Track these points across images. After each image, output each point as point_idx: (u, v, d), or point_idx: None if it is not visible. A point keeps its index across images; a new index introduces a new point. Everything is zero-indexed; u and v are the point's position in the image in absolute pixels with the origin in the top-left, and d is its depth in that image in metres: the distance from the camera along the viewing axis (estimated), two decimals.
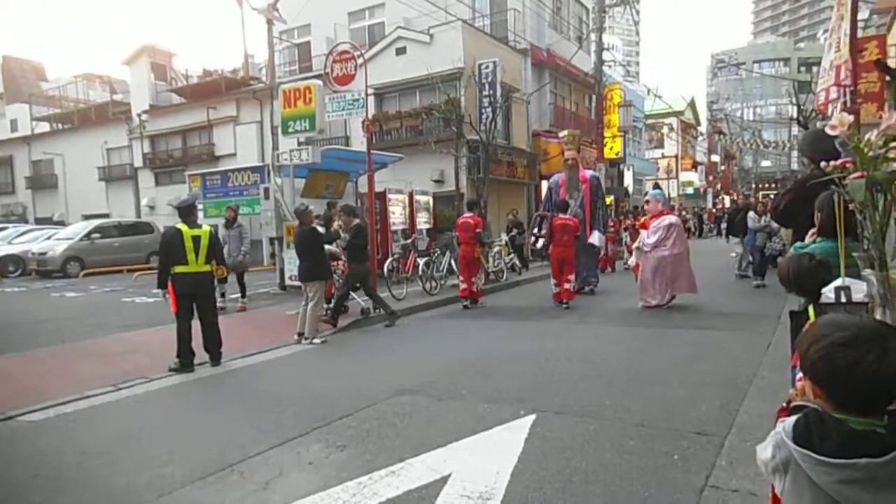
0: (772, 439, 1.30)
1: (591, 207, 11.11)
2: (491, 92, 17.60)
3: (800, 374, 1.64)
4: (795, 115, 28.56)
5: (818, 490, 1.20)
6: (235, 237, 10.12)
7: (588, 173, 11.40)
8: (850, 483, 1.16)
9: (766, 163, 64.25)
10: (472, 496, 3.06)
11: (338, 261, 9.23)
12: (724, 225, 34.17)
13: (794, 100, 29.92)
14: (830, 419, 1.22)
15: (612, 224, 12.26)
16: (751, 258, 11.49)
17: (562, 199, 10.52)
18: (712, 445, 3.62)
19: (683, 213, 34.55)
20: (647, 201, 9.97)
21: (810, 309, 2.00)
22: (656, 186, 10.89)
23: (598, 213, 11.37)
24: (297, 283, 8.32)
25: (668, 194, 39.86)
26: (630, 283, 12.35)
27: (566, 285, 9.61)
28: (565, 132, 12.38)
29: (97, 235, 18.79)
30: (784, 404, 1.50)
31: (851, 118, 1.78)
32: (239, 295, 10.20)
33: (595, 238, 11.11)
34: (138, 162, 25.99)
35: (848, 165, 1.69)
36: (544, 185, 17.36)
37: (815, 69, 58.98)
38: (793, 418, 1.27)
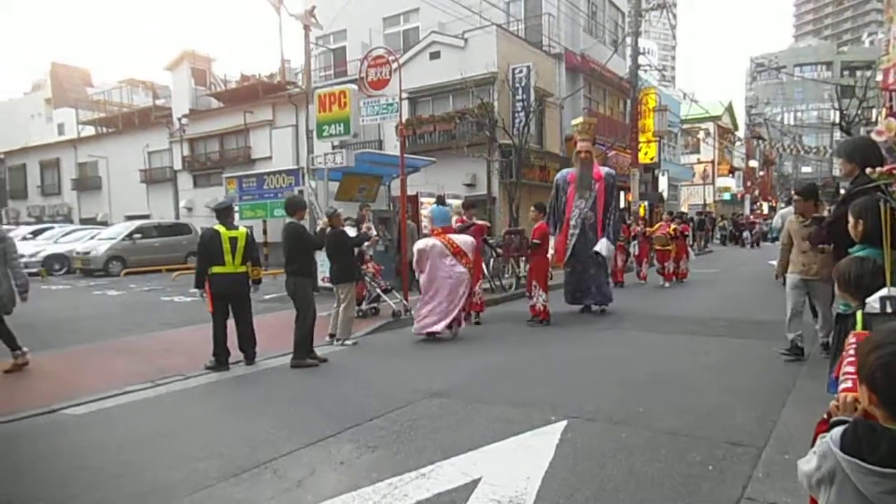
0: (817, 450, 1.27)
1: (604, 210, 9.48)
2: (524, 96, 17.57)
3: (841, 386, 1.61)
4: (838, 121, 27.77)
5: (864, 501, 1.17)
6: None
7: (603, 170, 9.79)
8: None
9: (806, 169, 62.56)
10: (503, 501, 3.05)
11: (368, 263, 9.31)
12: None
13: (836, 104, 29.11)
14: (881, 429, 1.20)
15: (621, 232, 10.41)
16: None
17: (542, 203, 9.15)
18: (748, 456, 3.54)
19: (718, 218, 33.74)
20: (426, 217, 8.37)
21: (858, 314, 1.95)
22: (440, 201, 8.36)
23: (610, 218, 9.62)
24: (329, 285, 8.39)
25: (704, 199, 39.20)
26: (652, 292, 12.19)
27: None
28: (578, 119, 10.36)
29: (138, 236, 19.36)
30: (824, 416, 1.47)
31: None
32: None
33: (602, 247, 9.33)
34: (178, 164, 26.64)
35: (895, 171, 1.64)
36: None
37: (858, 73, 57.32)
38: (840, 428, 1.25)
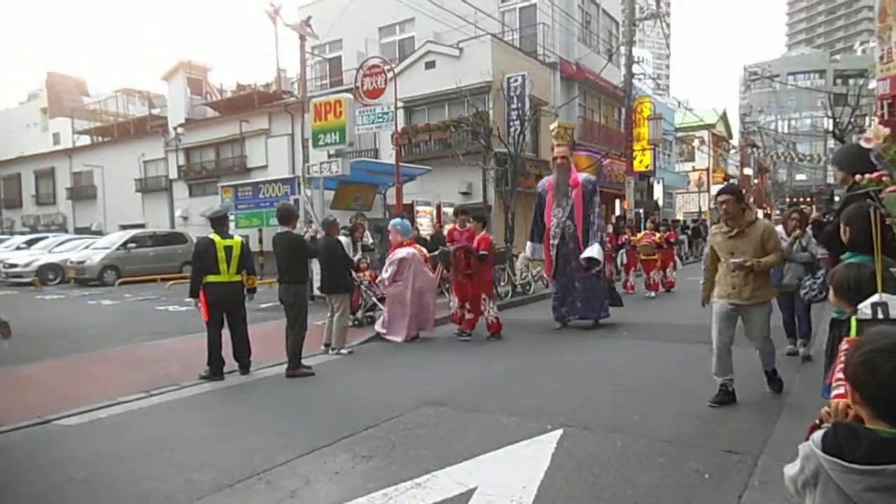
0: (800, 454, 1.30)
1: (583, 218, 8.85)
2: (519, 105, 17.64)
3: (834, 392, 1.61)
4: (831, 128, 27.98)
5: (847, 500, 1.19)
6: None
7: (581, 176, 9.19)
8: (878, 490, 1.16)
9: (800, 176, 62.93)
10: None
11: (364, 271, 9.30)
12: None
13: (829, 112, 29.32)
14: (860, 428, 1.23)
15: (607, 239, 9.57)
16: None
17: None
18: (745, 465, 3.53)
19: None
20: (389, 231, 8.87)
21: (853, 320, 1.96)
22: (400, 215, 8.44)
23: (593, 226, 8.89)
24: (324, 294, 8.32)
25: (699, 207, 39.37)
26: (644, 301, 12.19)
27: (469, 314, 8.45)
28: (554, 124, 9.71)
29: (133, 245, 19.30)
30: (816, 422, 1.48)
31: (887, 130, 1.74)
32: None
33: (594, 251, 8.70)
34: (173, 174, 26.61)
35: (884, 178, 1.65)
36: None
37: (851, 81, 57.82)
38: (822, 430, 1.28)
